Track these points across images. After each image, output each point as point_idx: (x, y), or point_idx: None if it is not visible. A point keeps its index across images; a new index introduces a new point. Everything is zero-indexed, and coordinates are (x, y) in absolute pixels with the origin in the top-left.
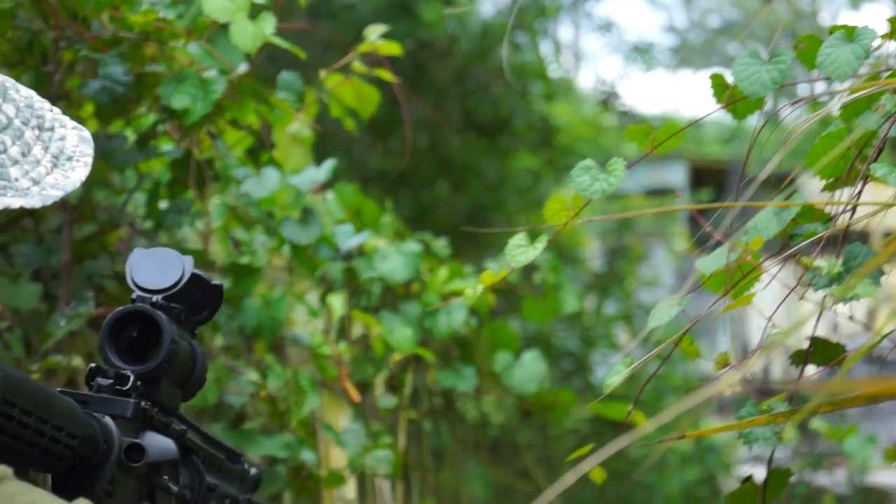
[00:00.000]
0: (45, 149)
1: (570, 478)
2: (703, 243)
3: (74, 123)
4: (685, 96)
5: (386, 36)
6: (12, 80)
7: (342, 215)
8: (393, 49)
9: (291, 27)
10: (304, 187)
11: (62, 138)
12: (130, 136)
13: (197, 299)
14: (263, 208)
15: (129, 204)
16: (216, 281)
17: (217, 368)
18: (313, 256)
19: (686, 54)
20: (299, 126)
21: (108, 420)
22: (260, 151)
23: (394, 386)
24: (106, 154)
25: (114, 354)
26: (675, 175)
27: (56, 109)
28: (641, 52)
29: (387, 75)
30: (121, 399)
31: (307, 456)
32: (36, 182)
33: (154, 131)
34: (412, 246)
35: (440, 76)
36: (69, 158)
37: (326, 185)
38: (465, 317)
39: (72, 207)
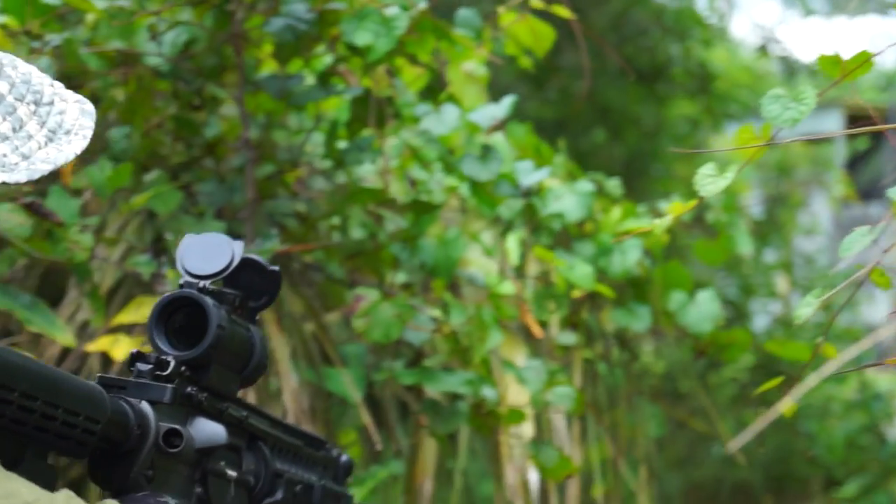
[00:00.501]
0: (42, 123)
1: (770, 415)
2: (864, 190)
3: (77, 98)
4: (841, 44)
5: None
6: (11, 57)
7: (513, 156)
8: None
9: None
10: (483, 124)
11: (61, 112)
12: (308, 76)
13: (256, 285)
14: (443, 145)
15: (307, 144)
16: (273, 267)
17: (399, 305)
18: (493, 193)
19: (842, 1)
20: (474, 65)
21: (144, 405)
22: (436, 89)
23: (574, 323)
24: (284, 94)
25: (161, 340)
26: (831, 122)
27: (58, 84)
28: None
29: (564, 12)
30: (159, 385)
31: (488, 393)
32: (26, 157)
33: (335, 69)
34: (585, 185)
35: (598, 22)
36: (67, 132)
37: (497, 127)
38: (638, 256)
39: (254, 146)
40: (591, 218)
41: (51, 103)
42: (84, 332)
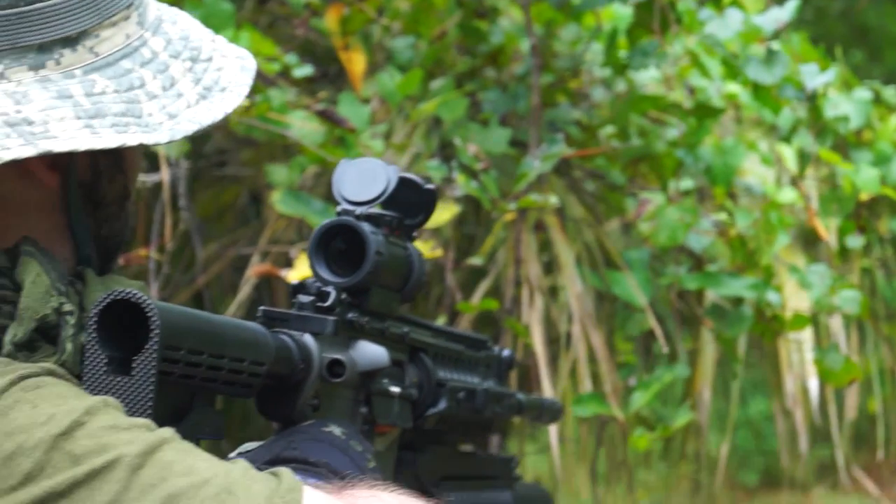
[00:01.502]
0: (197, 80)
1: None
2: None
3: (240, 53)
4: None
5: None
6: (173, 13)
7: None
8: None
9: None
10: (767, 27)
11: (219, 69)
12: None
13: (413, 203)
14: (727, 49)
15: (586, 53)
16: (429, 185)
17: (684, 209)
18: (777, 97)
19: None
20: None
21: (307, 338)
22: None
23: (861, 227)
24: (565, 3)
25: (322, 267)
26: None
27: (220, 39)
28: None
29: None
30: (320, 317)
31: (772, 297)
32: (172, 116)
33: None
34: (863, 93)
35: None
36: (223, 89)
37: (776, 35)
38: None
39: (539, 53)
40: (870, 126)
41: (209, 59)
42: None
